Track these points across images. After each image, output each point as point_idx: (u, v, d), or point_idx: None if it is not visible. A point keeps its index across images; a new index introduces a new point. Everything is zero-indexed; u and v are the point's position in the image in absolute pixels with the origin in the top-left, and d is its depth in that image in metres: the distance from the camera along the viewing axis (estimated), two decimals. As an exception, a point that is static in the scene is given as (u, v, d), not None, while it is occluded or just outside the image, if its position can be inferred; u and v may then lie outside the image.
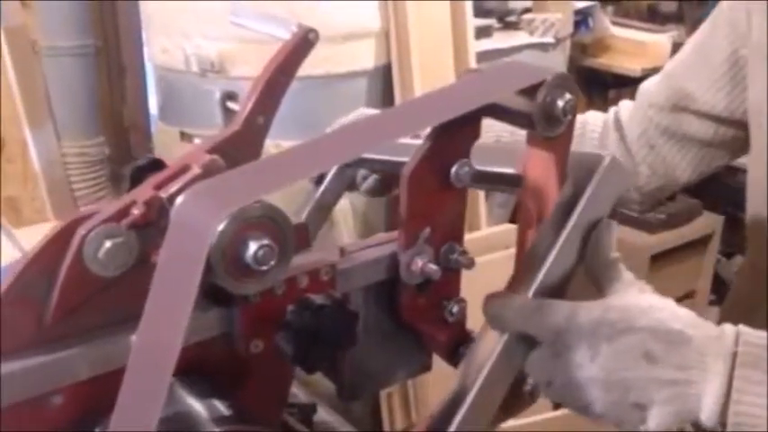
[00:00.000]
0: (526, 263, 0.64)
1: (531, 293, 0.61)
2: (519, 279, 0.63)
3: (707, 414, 0.56)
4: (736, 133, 0.96)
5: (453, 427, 0.58)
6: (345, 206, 1.79)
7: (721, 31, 0.95)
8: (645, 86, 1.05)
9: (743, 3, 0.92)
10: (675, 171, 1.02)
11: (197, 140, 1.77)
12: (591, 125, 1.06)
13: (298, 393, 0.95)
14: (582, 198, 0.62)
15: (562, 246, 0.61)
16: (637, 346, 0.58)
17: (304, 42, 0.63)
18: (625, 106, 1.06)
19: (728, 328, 0.59)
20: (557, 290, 0.62)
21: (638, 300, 0.61)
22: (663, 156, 1.01)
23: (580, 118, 1.04)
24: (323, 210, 0.88)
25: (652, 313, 0.59)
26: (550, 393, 0.62)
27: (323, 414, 0.99)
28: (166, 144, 1.92)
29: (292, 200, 0.87)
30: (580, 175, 0.63)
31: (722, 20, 0.96)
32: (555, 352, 0.60)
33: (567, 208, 0.62)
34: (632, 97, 1.07)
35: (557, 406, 1.88)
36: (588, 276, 0.64)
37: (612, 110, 1.07)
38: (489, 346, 0.62)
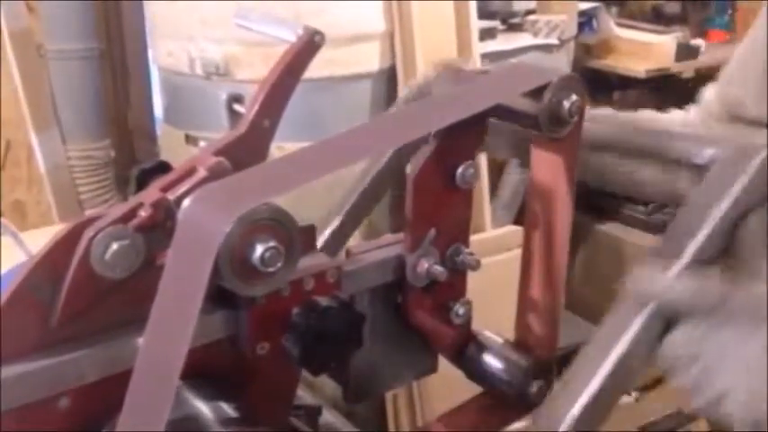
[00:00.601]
0: (671, 237, 0.61)
1: (683, 262, 0.59)
2: (662, 253, 0.61)
3: None
4: None
5: (580, 404, 0.56)
6: (350, 208, 1.78)
7: (761, 38, 0.94)
8: (705, 95, 1.02)
9: None
10: None
11: (202, 143, 1.77)
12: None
13: (303, 395, 0.95)
14: (738, 182, 0.60)
15: (722, 217, 0.59)
16: None
17: (310, 45, 0.63)
18: (692, 112, 1.03)
19: None
20: (708, 265, 0.60)
21: None
22: None
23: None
24: (370, 198, 0.88)
25: None
26: (684, 376, 0.58)
27: (328, 416, 0.99)
28: (171, 147, 1.93)
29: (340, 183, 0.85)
30: (739, 160, 0.61)
31: (762, 27, 0.95)
32: (708, 327, 0.57)
33: (719, 191, 0.60)
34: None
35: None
36: (740, 258, 0.61)
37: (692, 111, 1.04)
38: (622, 323, 0.59)
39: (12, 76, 2.05)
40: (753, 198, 0.61)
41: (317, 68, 1.76)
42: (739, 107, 0.96)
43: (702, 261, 0.60)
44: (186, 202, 0.47)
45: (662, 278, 0.59)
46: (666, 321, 0.58)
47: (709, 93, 1.02)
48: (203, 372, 0.57)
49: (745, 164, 0.60)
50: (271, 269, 0.49)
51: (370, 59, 1.79)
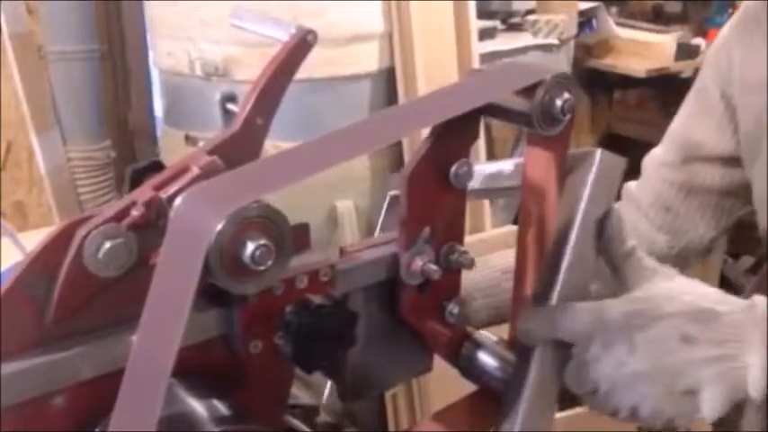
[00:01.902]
0: (544, 271, 0.63)
1: (554, 300, 0.61)
2: (540, 290, 0.63)
3: (755, 385, 0.56)
4: (744, 174, 0.96)
5: None
6: (349, 206, 1.79)
7: (709, 77, 0.97)
8: (650, 155, 1.05)
9: (723, 45, 0.95)
10: (698, 229, 1.01)
11: (202, 143, 1.77)
12: None
13: (301, 395, 0.96)
14: (583, 195, 0.62)
15: (574, 246, 0.61)
16: (672, 331, 0.58)
17: (302, 44, 0.63)
18: (630, 184, 1.06)
19: (758, 298, 0.59)
20: (580, 291, 0.62)
21: (664, 286, 0.61)
22: (681, 215, 1.01)
23: None
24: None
25: (680, 297, 0.60)
26: (596, 402, 0.62)
27: (326, 416, 0.99)
28: (172, 147, 1.93)
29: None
30: (578, 176, 0.63)
31: (708, 68, 0.98)
32: (592, 356, 0.59)
33: (571, 209, 0.62)
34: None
35: (560, 408, 1.87)
36: (610, 270, 0.64)
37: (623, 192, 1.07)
38: (524, 367, 0.62)
39: (12, 78, 2.05)
40: (602, 202, 0.62)
41: (316, 69, 1.77)
42: (695, 148, 0.98)
43: (577, 282, 0.62)
44: (178, 201, 0.47)
45: (537, 313, 0.62)
46: (561, 354, 0.61)
47: (657, 150, 1.04)
48: (197, 370, 0.57)
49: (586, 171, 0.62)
50: (262, 267, 0.49)
51: (369, 60, 1.80)
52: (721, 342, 0.57)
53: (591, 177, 0.61)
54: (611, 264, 0.63)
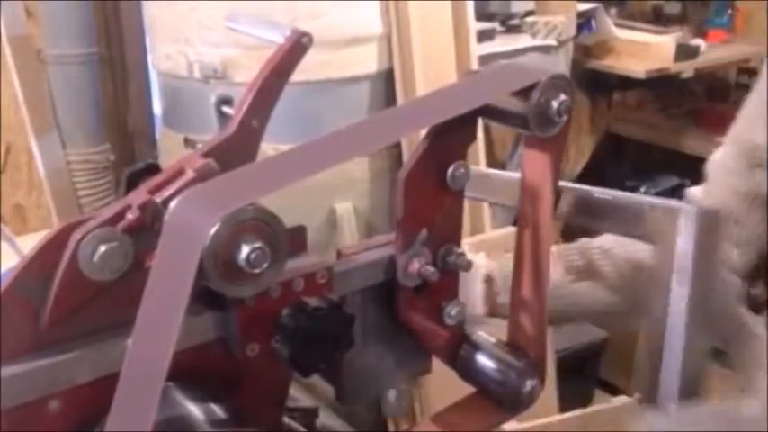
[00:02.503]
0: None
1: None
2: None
3: None
4: None
5: None
6: (348, 209, 1.79)
7: None
8: (712, 160, 1.02)
9: None
10: (764, 238, 0.97)
11: (200, 146, 1.77)
12: None
13: (300, 397, 0.95)
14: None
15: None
16: None
17: (297, 46, 0.63)
18: (694, 191, 1.03)
19: None
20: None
21: None
22: (752, 230, 0.97)
23: None
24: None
25: None
26: None
27: (326, 418, 0.99)
28: (170, 150, 1.93)
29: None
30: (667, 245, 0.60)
31: None
32: None
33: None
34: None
35: (561, 409, 1.87)
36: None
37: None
38: None
39: (11, 81, 2.06)
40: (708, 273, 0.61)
41: (314, 71, 1.77)
42: (757, 151, 0.95)
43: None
44: (172, 204, 0.47)
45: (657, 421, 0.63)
46: None
47: (718, 155, 1.01)
48: (194, 373, 0.57)
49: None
50: (257, 270, 0.49)
51: (367, 62, 1.79)
52: None
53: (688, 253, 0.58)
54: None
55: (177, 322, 0.43)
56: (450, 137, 0.61)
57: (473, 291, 0.89)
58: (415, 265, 0.63)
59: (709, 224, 0.60)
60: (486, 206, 1.90)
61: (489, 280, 0.90)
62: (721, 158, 1.01)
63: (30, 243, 1.31)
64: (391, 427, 1.78)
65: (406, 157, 1.77)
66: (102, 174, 2.17)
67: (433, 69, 1.78)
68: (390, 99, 1.82)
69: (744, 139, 0.98)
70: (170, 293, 0.44)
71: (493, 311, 0.90)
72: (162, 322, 0.44)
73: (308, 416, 0.94)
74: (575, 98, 0.61)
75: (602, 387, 2.44)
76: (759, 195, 0.97)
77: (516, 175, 0.78)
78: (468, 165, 0.63)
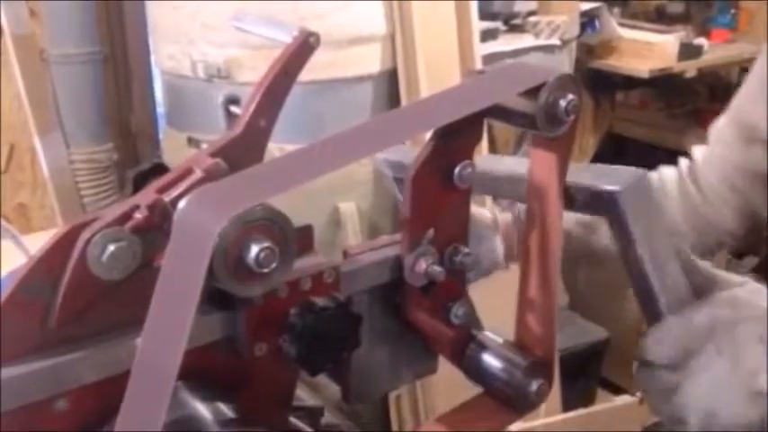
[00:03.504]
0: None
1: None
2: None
3: None
4: None
5: None
6: (352, 208, 1.79)
7: None
8: (715, 128, 1.05)
9: None
10: (760, 210, 1.01)
11: (204, 146, 1.77)
12: (667, 179, 1.06)
13: (305, 397, 0.95)
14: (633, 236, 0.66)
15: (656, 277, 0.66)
16: (751, 334, 0.62)
17: (305, 46, 0.63)
18: (699, 151, 1.06)
19: None
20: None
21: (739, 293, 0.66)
22: (747, 197, 1.01)
23: (655, 176, 1.06)
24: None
25: (756, 302, 0.65)
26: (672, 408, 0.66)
27: (331, 417, 0.99)
28: (174, 149, 1.93)
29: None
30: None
31: None
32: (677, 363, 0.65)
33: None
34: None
35: (564, 408, 1.87)
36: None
37: (684, 161, 1.07)
38: None
39: (15, 80, 2.06)
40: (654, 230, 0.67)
41: (318, 71, 1.77)
42: (753, 130, 0.97)
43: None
44: (181, 204, 0.47)
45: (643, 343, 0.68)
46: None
47: (720, 123, 1.03)
48: (201, 373, 0.57)
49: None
50: (266, 270, 0.49)
51: (371, 61, 1.79)
52: None
53: (628, 224, 0.65)
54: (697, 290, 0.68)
55: (188, 322, 0.43)
56: (457, 137, 0.61)
57: (491, 245, 0.92)
58: (422, 265, 0.64)
59: (640, 203, 0.66)
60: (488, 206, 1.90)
61: (507, 233, 0.93)
62: (722, 129, 1.03)
63: (34, 242, 1.31)
64: (395, 427, 1.78)
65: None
66: (105, 173, 2.17)
67: (437, 69, 1.78)
68: (394, 99, 1.82)
69: (741, 116, 1.00)
70: (180, 293, 0.44)
71: (512, 258, 0.93)
72: (172, 322, 0.44)
73: (313, 415, 0.94)
74: (582, 97, 0.61)
75: (605, 386, 2.44)
76: (754, 171, 1.00)
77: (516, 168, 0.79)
78: (474, 164, 0.63)
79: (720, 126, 1.04)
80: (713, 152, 1.04)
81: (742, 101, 1.01)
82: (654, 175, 1.05)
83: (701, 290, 0.67)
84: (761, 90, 0.97)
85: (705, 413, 0.63)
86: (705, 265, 0.69)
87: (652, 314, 0.68)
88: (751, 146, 0.98)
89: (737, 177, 1.01)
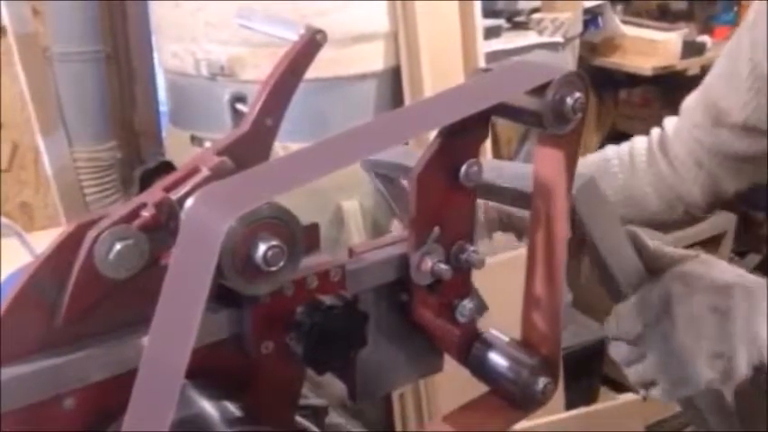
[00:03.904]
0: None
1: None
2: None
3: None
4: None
5: None
6: (354, 206, 1.79)
7: (745, 46, 0.96)
8: (686, 104, 1.06)
9: (763, 19, 0.94)
10: (723, 186, 1.04)
11: (207, 144, 1.78)
12: (638, 151, 1.08)
13: (309, 395, 0.95)
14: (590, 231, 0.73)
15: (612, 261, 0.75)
16: (704, 305, 0.71)
17: (312, 44, 0.63)
18: (670, 123, 1.08)
19: None
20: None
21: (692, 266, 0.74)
22: (712, 174, 1.03)
23: (627, 145, 1.10)
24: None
25: (707, 274, 0.72)
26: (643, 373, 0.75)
27: (335, 416, 0.99)
28: (177, 148, 1.93)
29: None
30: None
31: (745, 37, 0.97)
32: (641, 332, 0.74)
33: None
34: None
35: (567, 406, 1.87)
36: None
37: (656, 131, 1.09)
38: None
39: (18, 79, 2.06)
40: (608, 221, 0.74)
41: (321, 68, 1.77)
42: (722, 114, 0.98)
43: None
44: (189, 202, 0.47)
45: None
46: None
47: (691, 101, 1.05)
48: (208, 371, 0.57)
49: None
50: (273, 268, 0.49)
51: (374, 59, 1.79)
52: (745, 312, 0.69)
53: (584, 222, 0.72)
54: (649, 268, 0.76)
55: (196, 321, 0.43)
56: (463, 135, 0.61)
57: None
58: (428, 263, 0.63)
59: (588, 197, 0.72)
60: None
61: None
62: (692, 106, 1.05)
63: (37, 241, 1.31)
64: (398, 427, 1.78)
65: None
66: (108, 171, 2.17)
67: (440, 66, 1.78)
68: (397, 96, 1.82)
69: (712, 98, 1.01)
70: (188, 292, 0.44)
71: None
72: (180, 321, 0.44)
73: (318, 414, 0.94)
74: (589, 95, 0.61)
75: (607, 384, 2.44)
76: (721, 151, 1.02)
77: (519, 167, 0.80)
78: (480, 162, 0.63)
79: (691, 102, 1.05)
80: (683, 127, 1.05)
81: (714, 81, 1.02)
82: (626, 146, 1.09)
83: (657, 268, 0.74)
84: (731, 73, 0.98)
85: (671, 378, 0.72)
86: (656, 244, 0.76)
87: (615, 296, 0.76)
88: (719, 128, 1.00)
89: (704, 155, 1.03)
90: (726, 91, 0.98)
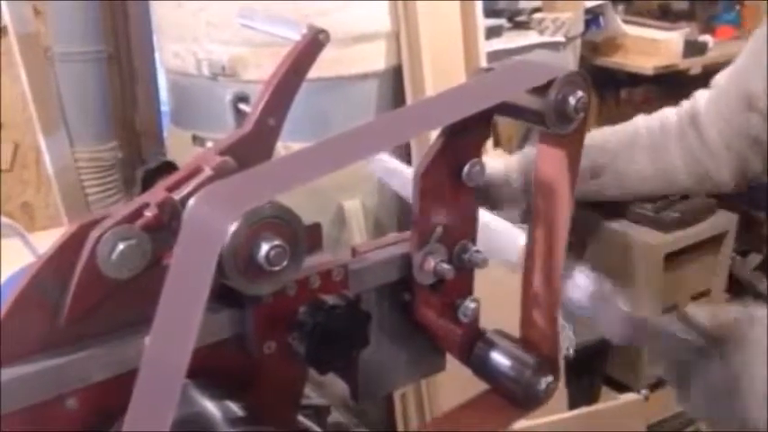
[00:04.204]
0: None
1: None
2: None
3: None
4: None
5: None
6: (357, 206, 1.79)
7: None
8: (717, 80, 1.06)
9: None
10: (752, 167, 1.04)
11: (209, 144, 1.78)
12: (668, 124, 1.08)
13: (312, 395, 0.95)
14: None
15: None
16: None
17: (314, 43, 0.63)
18: (702, 97, 1.07)
19: None
20: None
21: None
22: (741, 155, 1.03)
23: (657, 117, 1.09)
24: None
25: None
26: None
27: (337, 416, 0.99)
28: (178, 148, 1.93)
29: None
30: None
31: None
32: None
33: None
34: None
35: (571, 406, 1.87)
36: None
37: (687, 104, 1.09)
38: None
39: (19, 79, 2.06)
40: None
41: (323, 68, 1.77)
42: (752, 98, 0.98)
43: None
44: (191, 202, 0.47)
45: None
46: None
47: (723, 78, 1.04)
48: (210, 371, 0.57)
49: None
50: (276, 268, 0.49)
51: (376, 59, 1.79)
52: None
53: None
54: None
55: (197, 320, 0.43)
56: (466, 134, 0.61)
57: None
58: (431, 263, 0.63)
59: None
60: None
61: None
62: (724, 86, 1.04)
63: (39, 241, 1.31)
64: (400, 426, 1.78)
65: (414, 154, 1.77)
66: (109, 171, 2.17)
67: (442, 66, 1.78)
68: (399, 96, 1.82)
69: (743, 82, 1.01)
70: (189, 291, 0.44)
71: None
72: (181, 320, 0.43)
73: (320, 413, 0.94)
74: (591, 94, 0.60)
75: (609, 384, 2.44)
76: (751, 135, 1.01)
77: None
78: (483, 162, 0.63)
79: (723, 81, 1.05)
80: (714, 106, 1.04)
81: (746, 63, 1.02)
82: (655, 120, 1.08)
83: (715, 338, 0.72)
84: (760, 58, 0.98)
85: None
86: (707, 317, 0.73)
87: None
88: (750, 112, 1.00)
89: (734, 137, 1.02)
90: (758, 77, 0.98)
